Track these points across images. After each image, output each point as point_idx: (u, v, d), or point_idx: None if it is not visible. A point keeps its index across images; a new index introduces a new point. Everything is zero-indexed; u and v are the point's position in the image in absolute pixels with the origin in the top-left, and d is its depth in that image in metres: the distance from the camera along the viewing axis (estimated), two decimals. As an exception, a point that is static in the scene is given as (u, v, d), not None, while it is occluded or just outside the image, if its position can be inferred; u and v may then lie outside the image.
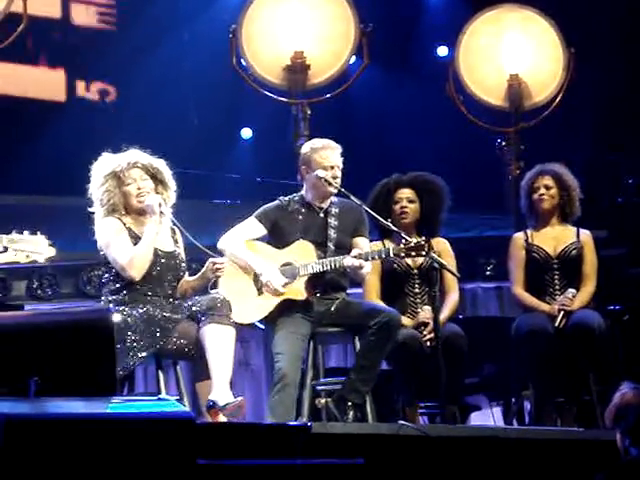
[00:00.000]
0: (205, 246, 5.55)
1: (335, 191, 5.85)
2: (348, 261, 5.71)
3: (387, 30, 8.49)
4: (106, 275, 5.47)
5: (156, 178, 5.48)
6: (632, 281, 7.45)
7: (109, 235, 5.41)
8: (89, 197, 5.49)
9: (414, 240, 5.74)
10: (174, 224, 5.50)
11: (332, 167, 5.83)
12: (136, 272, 5.35)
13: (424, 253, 5.71)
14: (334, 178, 5.82)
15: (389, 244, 5.96)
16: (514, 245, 6.33)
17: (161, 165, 5.51)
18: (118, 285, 5.41)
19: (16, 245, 5.12)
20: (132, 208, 5.46)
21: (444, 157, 8.29)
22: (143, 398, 4.27)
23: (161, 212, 5.39)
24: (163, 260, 5.43)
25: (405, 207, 6.16)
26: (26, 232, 5.14)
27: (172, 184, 5.52)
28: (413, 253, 5.72)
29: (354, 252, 5.75)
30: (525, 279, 6.26)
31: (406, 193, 6.21)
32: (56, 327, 4.27)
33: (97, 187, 5.46)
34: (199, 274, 5.48)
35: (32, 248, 5.13)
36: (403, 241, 5.74)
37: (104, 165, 5.48)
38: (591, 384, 6.01)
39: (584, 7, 8.59)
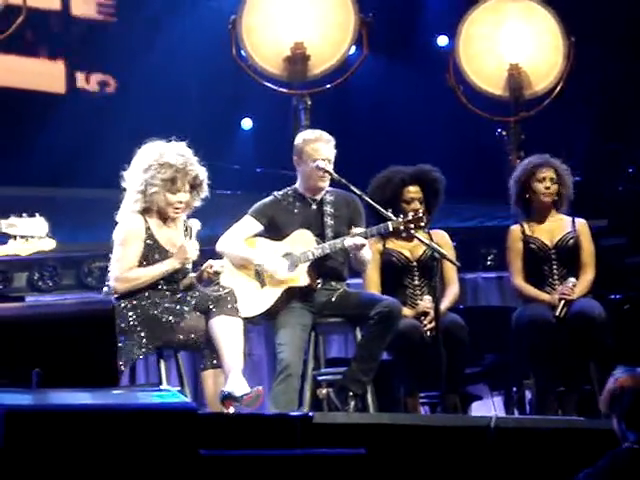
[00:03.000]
0: (204, 237, 5.56)
1: (326, 185, 5.85)
2: (348, 241, 5.71)
3: (387, 20, 8.47)
4: (109, 266, 5.46)
5: (194, 188, 5.44)
6: (632, 270, 7.45)
7: (124, 235, 5.37)
8: (124, 177, 5.37)
9: (411, 214, 5.75)
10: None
11: (323, 159, 5.82)
12: (121, 289, 5.33)
13: (423, 224, 5.71)
14: (325, 172, 5.81)
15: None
16: (511, 237, 6.33)
17: (204, 175, 5.45)
18: None
19: (15, 229, 5.13)
20: (163, 212, 5.41)
21: (444, 147, 8.29)
22: (145, 389, 4.28)
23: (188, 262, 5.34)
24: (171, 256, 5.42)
25: (417, 209, 6.07)
26: (25, 215, 5.15)
27: (205, 191, 5.47)
28: (412, 226, 5.72)
29: (353, 231, 5.76)
30: (524, 270, 6.26)
31: (417, 193, 6.14)
32: (57, 318, 4.28)
33: (148, 183, 5.33)
34: (197, 273, 5.48)
35: (31, 231, 5.14)
36: (401, 215, 5.74)
37: (165, 165, 5.34)
38: (592, 373, 6.02)
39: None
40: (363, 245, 5.72)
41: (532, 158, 6.36)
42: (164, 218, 5.43)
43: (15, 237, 5.16)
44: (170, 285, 5.41)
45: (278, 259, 5.78)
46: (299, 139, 5.94)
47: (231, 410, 5.18)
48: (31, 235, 5.17)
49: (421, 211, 5.78)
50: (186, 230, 5.50)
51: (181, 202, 5.39)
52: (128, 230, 5.38)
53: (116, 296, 5.32)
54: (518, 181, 6.33)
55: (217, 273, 5.42)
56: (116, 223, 5.44)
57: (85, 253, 7.52)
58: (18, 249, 5.35)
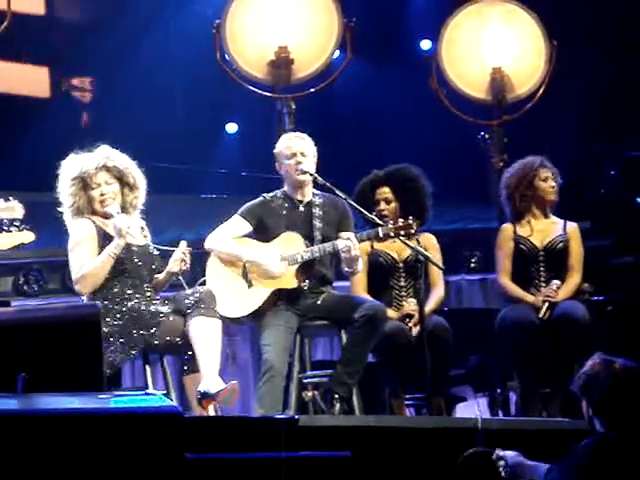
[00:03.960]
0: (190, 240, 5.58)
1: (305, 177, 5.88)
2: (341, 243, 5.73)
3: (371, 24, 8.50)
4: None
5: (122, 180, 5.49)
6: (615, 272, 7.48)
7: (74, 240, 5.43)
8: (57, 197, 5.50)
9: (401, 220, 5.78)
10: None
11: (294, 154, 5.87)
12: (84, 290, 5.38)
13: (413, 231, 5.75)
14: (297, 164, 5.86)
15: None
16: (503, 235, 6.36)
17: (130, 165, 5.50)
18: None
19: None
20: (97, 212, 5.47)
21: (428, 150, 8.31)
22: (130, 393, 4.29)
23: (127, 234, 5.36)
24: (139, 255, 5.44)
25: (383, 210, 6.17)
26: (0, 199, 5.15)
27: (142, 184, 5.52)
28: (402, 232, 5.75)
29: (344, 235, 5.79)
30: (511, 270, 6.29)
31: (384, 193, 6.22)
32: (43, 323, 4.28)
33: (64, 189, 5.47)
34: (165, 271, 5.49)
35: (7, 215, 5.13)
36: (391, 222, 5.78)
37: (71, 167, 5.48)
38: (576, 374, 6.04)
39: (568, 1, 8.64)
40: (355, 248, 5.72)
41: (531, 159, 6.37)
42: (107, 218, 5.45)
43: None
44: (145, 286, 5.42)
45: (271, 253, 5.79)
46: (276, 146, 6.00)
47: (210, 409, 5.20)
48: (7, 219, 5.17)
49: (410, 218, 5.80)
50: (142, 229, 5.53)
51: (103, 194, 5.43)
52: (76, 235, 5.43)
53: (86, 298, 5.35)
54: (519, 180, 6.32)
55: (185, 262, 5.42)
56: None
57: (70, 257, 7.50)
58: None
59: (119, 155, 5.51)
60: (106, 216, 5.45)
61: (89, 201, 5.45)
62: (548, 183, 6.32)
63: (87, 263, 5.36)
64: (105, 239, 5.41)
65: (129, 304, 5.35)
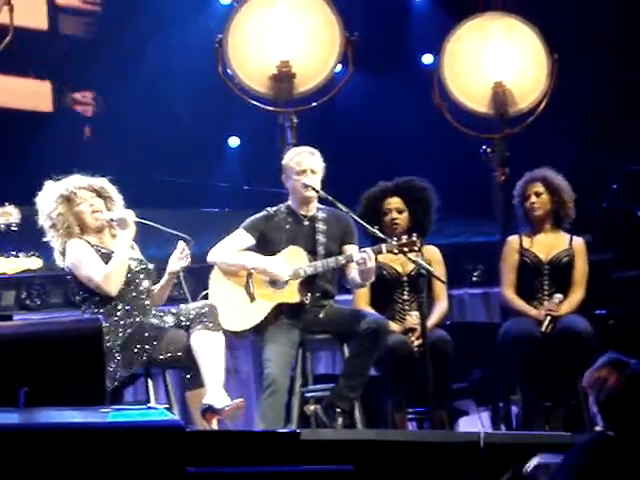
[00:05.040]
0: (192, 254, 5.58)
1: (312, 194, 5.88)
2: (357, 255, 5.70)
3: (374, 38, 8.52)
4: (81, 293, 5.47)
5: (101, 195, 5.51)
6: (617, 286, 7.48)
7: (77, 255, 5.40)
8: (39, 228, 5.49)
9: (405, 237, 5.78)
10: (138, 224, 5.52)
11: (304, 171, 5.88)
12: (113, 288, 5.36)
13: (416, 249, 5.74)
14: (306, 186, 5.85)
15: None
16: (508, 248, 6.37)
17: (104, 183, 5.54)
18: (98, 299, 5.41)
19: None
20: (88, 227, 5.47)
21: (430, 163, 8.31)
22: (132, 407, 4.29)
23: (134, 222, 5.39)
24: (137, 268, 5.45)
25: (395, 219, 6.18)
26: None
27: (118, 199, 5.55)
28: (406, 249, 5.75)
29: (349, 251, 5.78)
30: (515, 283, 6.29)
31: (395, 203, 6.23)
32: (45, 337, 4.28)
33: (48, 214, 5.45)
34: (166, 272, 5.49)
35: (3, 220, 5.14)
36: (395, 238, 5.78)
37: (50, 192, 5.49)
38: (578, 388, 6.04)
39: (570, 10, 8.64)
40: (371, 259, 5.69)
41: (528, 173, 6.43)
42: (99, 232, 5.46)
43: (1, 254, 5.17)
44: (144, 300, 5.43)
45: (278, 260, 5.79)
46: (284, 157, 6.00)
47: (214, 423, 5.20)
48: (4, 224, 5.18)
49: (415, 235, 5.80)
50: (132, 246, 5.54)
51: (92, 205, 5.46)
52: (75, 250, 5.40)
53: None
54: (515, 197, 6.41)
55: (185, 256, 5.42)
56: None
57: (73, 271, 7.50)
58: (5, 268, 5.36)
59: (90, 177, 5.54)
60: (98, 232, 5.46)
61: (77, 218, 5.45)
62: (530, 200, 6.33)
63: (103, 265, 5.36)
64: (103, 257, 5.41)
65: (129, 320, 5.35)
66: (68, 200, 5.45)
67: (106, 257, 5.41)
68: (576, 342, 6.04)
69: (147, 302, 5.44)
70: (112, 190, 5.54)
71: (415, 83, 8.37)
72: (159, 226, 5.49)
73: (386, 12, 9.22)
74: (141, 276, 5.44)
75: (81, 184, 5.49)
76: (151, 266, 5.53)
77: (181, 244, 5.48)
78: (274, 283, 5.83)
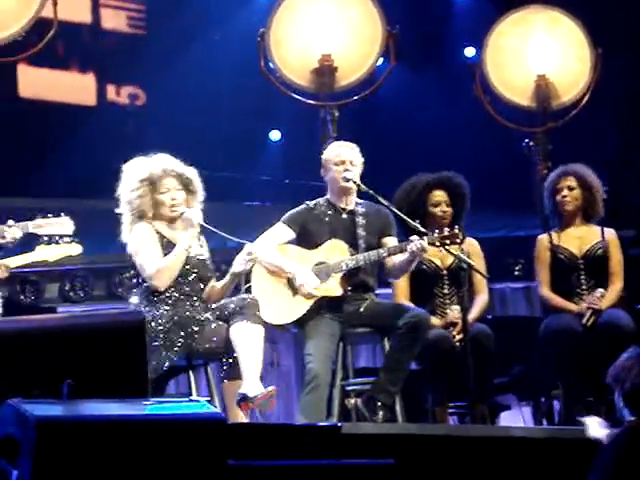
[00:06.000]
0: (235, 248, 5.61)
1: (350, 185, 5.88)
2: (414, 245, 5.66)
3: (415, 31, 8.50)
4: (135, 279, 5.53)
5: (187, 189, 5.53)
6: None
7: (139, 242, 5.44)
8: (117, 197, 5.51)
9: (447, 229, 5.77)
10: (202, 227, 5.55)
11: (343, 162, 5.89)
12: (161, 283, 5.39)
13: (459, 241, 5.72)
14: (345, 171, 5.86)
15: None
16: (539, 247, 6.34)
17: (193, 175, 5.54)
18: (147, 286, 5.46)
19: (42, 230, 5.19)
20: (163, 217, 5.50)
21: (472, 157, 8.29)
22: (174, 400, 4.31)
23: (198, 224, 5.43)
24: (190, 263, 5.48)
25: (445, 211, 6.15)
26: (50, 215, 5.21)
27: (201, 194, 5.56)
28: (448, 241, 5.73)
29: (389, 243, 5.77)
30: (552, 280, 6.26)
31: (442, 196, 6.19)
32: (88, 330, 4.31)
33: (129, 190, 5.47)
34: (229, 273, 5.52)
35: (58, 230, 5.20)
36: (437, 231, 5.76)
37: (139, 169, 5.48)
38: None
39: (610, 6, 8.58)
40: (424, 249, 5.68)
41: (561, 168, 6.38)
42: (172, 222, 5.49)
43: (42, 241, 5.21)
44: (192, 292, 5.46)
45: (309, 272, 5.81)
46: (325, 151, 6.02)
47: (247, 413, 5.23)
48: (58, 234, 5.23)
49: (457, 227, 5.78)
50: (199, 239, 5.56)
51: (174, 199, 5.45)
52: (139, 236, 5.44)
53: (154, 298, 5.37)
54: (545, 190, 6.37)
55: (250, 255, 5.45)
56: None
57: (115, 264, 7.57)
58: (45, 255, 5.41)
59: (181, 164, 5.54)
60: (171, 221, 5.49)
61: (155, 204, 5.47)
62: (561, 194, 6.29)
63: (161, 259, 5.38)
64: (167, 247, 5.44)
65: (174, 309, 5.39)
66: (152, 184, 5.46)
67: (170, 247, 5.45)
68: (618, 336, 5.99)
69: (195, 298, 5.46)
70: (198, 185, 5.54)
71: (457, 77, 8.35)
72: (221, 232, 5.51)
73: (428, 5, 9.20)
74: (196, 272, 5.47)
75: (171, 170, 5.47)
76: (208, 261, 5.54)
77: (247, 247, 5.48)
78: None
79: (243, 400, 5.25)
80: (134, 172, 5.48)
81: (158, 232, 5.48)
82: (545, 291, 6.28)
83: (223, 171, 8.49)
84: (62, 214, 5.23)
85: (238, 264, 5.49)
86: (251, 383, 5.26)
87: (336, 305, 5.84)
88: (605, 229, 6.32)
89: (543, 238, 6.36)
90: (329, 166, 5.95)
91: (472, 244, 6.20)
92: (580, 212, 6.33)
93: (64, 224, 5.24)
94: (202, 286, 5.52)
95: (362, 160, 5.96)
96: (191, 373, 5.44)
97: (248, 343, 5.32)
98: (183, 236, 5.44)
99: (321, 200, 6.01)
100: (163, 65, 8.83)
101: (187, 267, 5.46)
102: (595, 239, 6.29)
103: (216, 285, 5.57)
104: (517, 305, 7.95)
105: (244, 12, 8.67)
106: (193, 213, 5.44)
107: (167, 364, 5.32)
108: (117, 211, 5.51)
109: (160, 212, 5.49)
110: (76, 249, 5.47)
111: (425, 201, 6.18)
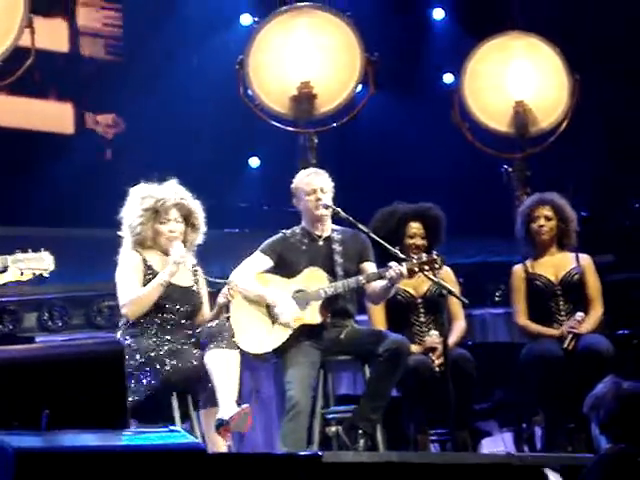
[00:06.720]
0: (216, 276, 5.61)
1: (326, 212, 5.88)
2: (393, 271, 5.63)
3: (394, 58, 8.53)
4: (116, 308, 5.53)
5: (188, 221, 5.52)
6: (640, 305, 7.45)
7: (121, 270, 5.49)
8: (120, 219, 5.53)
9: (425, 255, 5.76)
10: (195, 266, 5.55)
11: (314, 190, 5.89)
12: (131, 313, 5.43)
13: (437, 266, 5.72)
14: (317, 200, 5.86)
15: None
16: (514, 277, 6.35)
17: (198, 208, 5.57)
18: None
19: (20, 264, 5.15)
20: (158, 245, 5.51)
21: (451, 183, 8.31)
22: (153, 430, 4.28)
23: (180, 263, 5.42)
24: (177, 294, 5.47)
25: (420, 245, 6.16)
26: (29, 250, 5.17)
27: (203, 227, 5.58)
28: (427, 267, 5.72)
29: (368, 269, 5.76)
30: (529, 308, 6.27)
31: (419, 229, 6.21)
32: (67, 360, 4.28)
33: (133, 216, 5.49)
34: (214, 310, 5.53)
35: (36, 265, 5.16)
36: (415, 257, 5.76)
37: (145, 197, 5.50)
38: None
39: (586, 30, 8.64)
40: (403, 274, 5.67)
41: (530, 197, 6.40)
42: (166, 254, 5.48)
43: (20, 270, 5.17)
44: (177, 323, 5.45)
45: (288, 300, 5.79)
46: (293, 181, 6.01)
47: (228, 437, 5.21)
48: (36, 268, 5.20)
49: (435, 253, 5.78)
50: (195, 273, 5.55)
51: (172, 231, 5.46)
52: (124, 267, 5.49)
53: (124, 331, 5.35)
54: (519, 216, 6.38)
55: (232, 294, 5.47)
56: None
57: (94, 292, 7.54)
58: (17, 275, 5.36)
59: (189, 195, 5.56)
60: (165, 252, 5.50)
61: (154, 232, 5.48)
62: (537, 223, 6.30)
63: (136, 289, 5.40)
64: (152, 274, 5.45)
65: (153, 339, 5.38)
66: (156, 213, 5.48)
67: (150, 281, 5.46)
68: (598, 362, 5.99)
69: (177, 328, 5.45)
70: (200, 217, 5.57)
71: (435, 103, 8.37)
72: (207, 277, 5.53)
73: (406, 32, 9.23)
74: (183, 302, 5.48)
75: (174, 201, 5.49)
76: (198, 294, 5.55)
77: (231, 283, 5.51)
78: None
79: (221, 425, 5.22)
80: (141, 200, 5.50)
81: (147, 263, 5.49)
82: (522, 320, 6.29)
83: (202, 198, 8.47)
84: (42, 249, 5.21)
85: (222, 295, 5.49)
86: (226, 407, 5.25)
87: (316, 333, 5.82)
88: (580, 255, 6.33)
89: (518, 269, 6.36)
90: (300, 195, 5.94)
91: (447, 271, 6.20)
92: (554, 241, 6.34)
93: (44, 259, 5.21)
94: (188, 317, 5.51)
95: (332, 185, 5.95)
96: (173, 401, 5.40)
97: (223, 369, 5.31)
98: (163, 271, 5.44)
99: (297, 228, 6.00)
100: (141, 93, 8.82)
101: (173, 298, 5.44)
102: (570, 265, 6.30)
103: (205, 316, 5.57)
104: (497, 331, 7.94)
105: (222, 38, 8.68)
106: (176, 250, 5.44)
107: (146, 393, 5.29)
108: (119, 234, 5.54)
109: (158, 241, 5.50)
110: (47, 264, 5.38)
111: (402, 231, 6.19)
